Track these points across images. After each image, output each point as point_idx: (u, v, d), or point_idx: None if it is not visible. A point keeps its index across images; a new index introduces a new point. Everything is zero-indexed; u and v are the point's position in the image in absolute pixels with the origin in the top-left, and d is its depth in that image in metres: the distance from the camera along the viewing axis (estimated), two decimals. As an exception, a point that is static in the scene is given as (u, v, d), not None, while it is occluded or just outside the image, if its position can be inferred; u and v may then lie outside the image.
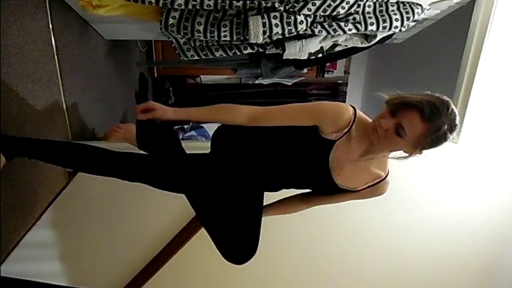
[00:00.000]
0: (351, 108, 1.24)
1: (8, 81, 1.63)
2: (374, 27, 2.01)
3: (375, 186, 1.30)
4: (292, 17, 1.90)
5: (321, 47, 2.19)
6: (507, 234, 2.32)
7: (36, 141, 1.52)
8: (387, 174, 1.31)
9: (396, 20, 2.00)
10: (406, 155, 1.18)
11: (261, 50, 2.20)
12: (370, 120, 1.24)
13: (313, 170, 1.29)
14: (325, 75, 4.59)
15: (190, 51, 2.21)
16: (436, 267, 2.35)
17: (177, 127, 3.95)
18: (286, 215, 1.59)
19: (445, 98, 1.11)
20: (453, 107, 1.10)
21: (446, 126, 1.07)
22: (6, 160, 1.48)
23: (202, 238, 2.21)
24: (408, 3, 2.01)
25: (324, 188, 1.35)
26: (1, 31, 1.58)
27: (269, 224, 2.25)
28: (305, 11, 1.89)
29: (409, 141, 1.11)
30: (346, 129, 1.22)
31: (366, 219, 2.28)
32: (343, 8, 1.90)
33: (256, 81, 4.39)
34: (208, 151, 1.47)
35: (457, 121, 1.10)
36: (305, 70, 4.44)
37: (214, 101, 4.73)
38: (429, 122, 1.06)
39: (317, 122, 1.23)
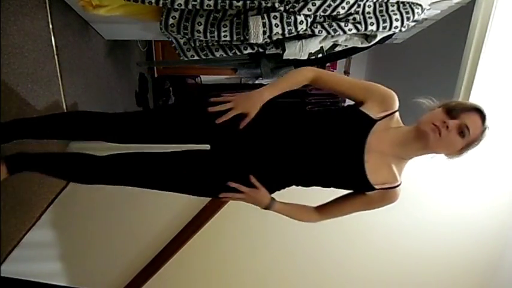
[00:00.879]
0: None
1: (8, 81, 1.63)
2: (374, 27, 2.01)
3: (389, 191, 1.27)
4: (292, 17, 1.90)
5: (321, 47, 2.19)
6: (507, 234, 2.33)
7: (42, 159, 1.48)
8: (401, 183, 1.29)
9: (396, 20, 2.00)
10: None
11: (261, 50, 2.20)
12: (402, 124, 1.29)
13: (349, 147, 1.23)
14: (325, 75, 4.59)
15: (190, 51, 2.21)
16: (436, 267, 2.35)
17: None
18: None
19: None
20: None
21: (487, 131, 1.19)
22: (9, 174, 1.46)
23: (202, 238, 2.21)
24: (408, 3, 2.01)
25: (350, 174, 1.26)
26: (1, 31, 1.58)
27: (270, 223, 2.26)
28: (305, 11, 1.89)
29: (467, 141, 1.18)
30: (391, 112, 1.25)
31: (366, 219, 2.27)
32: (343, 8, 1.90)
33: (256, 81, 4.38)
34: None
35: None
36: (305, 70, 4.44)
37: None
38: (484, 124, 1.17)
39: (368, 96, 1.26)
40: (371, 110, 1.24)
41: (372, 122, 1.23)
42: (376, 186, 1.24)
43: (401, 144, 1.24)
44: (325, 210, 1.40)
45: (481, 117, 1.17)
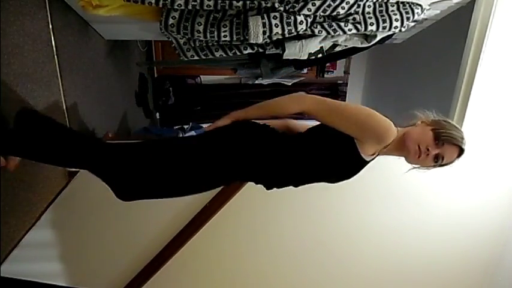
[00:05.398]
0: (395, 129, 1.30)
1: (8, 81, 1.63)
2: (374, 28, 2.01)
3: None
4: (292, 17, 1.90)
5: (321, 47, 2.19)
6: (507, 234, 2.33)
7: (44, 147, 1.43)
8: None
9: (396, 20, 2.00)
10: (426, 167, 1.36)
11: (261, 50, 2.20)
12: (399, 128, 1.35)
13: (336, 178, 1.39)
14: (325, 76, 4.59)
15: (190, 51, 2.21)
16: (436, 267, 2.35)
17: (177, 127, 3.95)
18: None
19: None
20: None
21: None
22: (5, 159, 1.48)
23: (202, 238, 2.21)
24: (408, 3, 2.01)
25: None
26: (1, 31, 1.58)
27: (270, 222, 2.26)
28: (305, 11, 1.89)
29: (438, 165, 1.33)
30: (382, 147, 1.31)
31: (367, 219, 2.28)
32: (343, 8, 1.90)
33: (256, 81, 4.38)
34: None
35: None
36: (305, 70, 4.44)
37: (213, 101, 4.72)
38: (460, 157, 1.32)
39: (363, 137, 1.28)
40: (366, 150, 1.29)
41: (364, 163, 1.33)
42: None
43: (397, 151, 1.36)
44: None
45: (459, 153, 1.31)
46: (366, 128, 1.26)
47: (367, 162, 1.34)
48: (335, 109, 1.30)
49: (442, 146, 1.28)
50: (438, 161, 1.30)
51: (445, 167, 1.35)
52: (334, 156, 1.33)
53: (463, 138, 1.31)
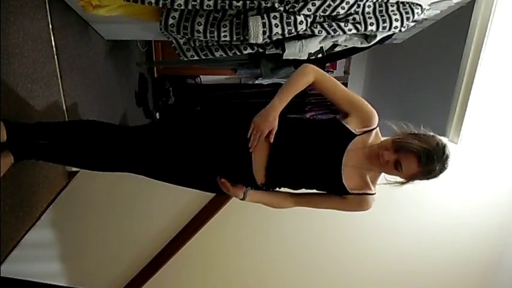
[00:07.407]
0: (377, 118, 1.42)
1: (8, 81, 1.63)
2: (374, 28, 2.01)
3: (365, 197, 1.41)
4: (292, 17, 1.90)
5: (321, 47, 2.19)
6: (507, 234, 2.32)
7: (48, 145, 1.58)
8: (375, 192, 1.44)
9: (396, 20, 2.00)
10: (400, 180, 1.36)
11: (260, 50, 2.20)
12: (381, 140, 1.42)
13: (330, 156, 1.38)
14: (325, 75, 4.59)
15: (190, 51, 2.21)
16: (436, 267, 2.35)
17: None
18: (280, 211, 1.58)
19: (442, 142, 1.30)
20: (448, 152, 1.29)
21: (437, 169, 1.29)
22: (15, 161, 1.51)
23: (202, 238, 2.21)
24: (408, 3, 2.01)
25: (329, 179, 1.40)
26: (1, 31, 1.58)
27: (270, 222, 2.26)
28: (305, 11, 1.89)
29: (404, 175, 1.32)
30: (369, 129, 1.38)
31: (366, 220, 2.27)
32: (343, 8, 1.90)
33: (256, 81, 4.39)
34: None
35: (448, 164, 1.31)
36: (305, 70, 4.44)
37: (213, 101, 4.70)
38: (424, 166, 1.27)
39: (352, 110, 1.40)
40: (352, 124, 1.38)
41: (352, 135, 1.38)
42: (353, 191, 1.39)
43: (369, 163, 1.38)
44: (302, 199, 1.50)
45: (418, 160, 1.26)
46: (356, 102, 1.40)
47: (351, 133, 1.37)
48: (336, 82, 1.45)
49: (398, 152, 1.29)
50: (397, 166, 1.29)
51: (428, 179, 1.32)
52: (324, 133, 1.41)
53: (426, 149, 1.26)
